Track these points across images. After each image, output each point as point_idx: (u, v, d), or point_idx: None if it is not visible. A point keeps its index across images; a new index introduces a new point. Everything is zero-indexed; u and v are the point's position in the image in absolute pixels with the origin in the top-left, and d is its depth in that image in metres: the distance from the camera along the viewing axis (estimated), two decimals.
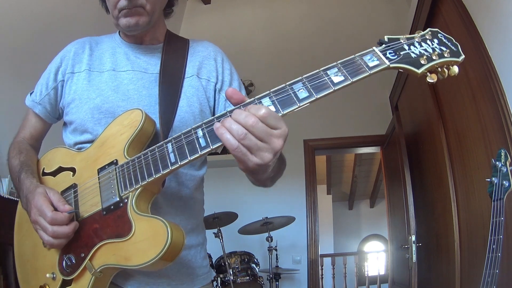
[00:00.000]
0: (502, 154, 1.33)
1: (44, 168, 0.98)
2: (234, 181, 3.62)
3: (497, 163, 1.32)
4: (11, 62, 2.35)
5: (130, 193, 0.78)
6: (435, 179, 2.65)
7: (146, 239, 0.72)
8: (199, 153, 0.70)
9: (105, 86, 0.96)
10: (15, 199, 1.98)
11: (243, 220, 3.28)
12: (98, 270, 0.78)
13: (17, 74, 2.36)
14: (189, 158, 0.71)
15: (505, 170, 1.30)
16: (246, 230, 3.33)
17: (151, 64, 1.02)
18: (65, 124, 1.04)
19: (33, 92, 1.07)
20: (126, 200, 0.78)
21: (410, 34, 0.74)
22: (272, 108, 0.67)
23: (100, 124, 0.93)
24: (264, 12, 4.62)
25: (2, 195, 1.95)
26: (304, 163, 4.07)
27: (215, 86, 1.04)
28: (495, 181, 1.31)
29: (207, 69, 1.05)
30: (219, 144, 0.67)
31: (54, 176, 0.95)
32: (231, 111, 0.68)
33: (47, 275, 0.85)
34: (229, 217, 3.21)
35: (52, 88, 1.02)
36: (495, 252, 1.24)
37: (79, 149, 0.96)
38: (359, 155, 7.13)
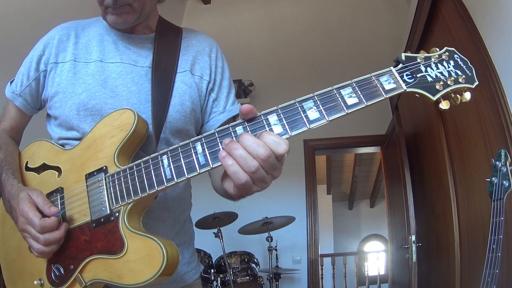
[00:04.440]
0: (502, 154, 1.33)
1: (27, 162, 0.93)
2: None
3: (497, 163, 1.32)
4: (6, 59, 2.33)
5: (122, 207, 0.73)
6: (435, 179, 2.65)
7: (140, 259, 0.69)
8: (198, 171, 0.65)
9: (91, 80, 0.90)
10: None
11: (243, 220, 3.28)
12: (88, 284, 0.75)
13: (12, 72, 2.35)
14: (186, 176, 0.66)
15: (505, 170, 1.30)
16: (246, 230, 3.33)
17: (142, 56, 0.95)
18: (48, 115, 0.98)
19: (13, 81, 1.00)
20: (117, 214, 0.73)
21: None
22: (279, 128, 0.63)
23: (86, 122, 0.88)
24: (264, 12, 4.62)
25: None
26: (304, 163, 4.08)
27: (208, 84, 0.99)
28: (495, 181, 1.31)
29: (200, 66, 0.99)
30: (220, 164, 0.63)
31: (38, 173, 0.90)
32: (233, 127, 0.65)
33: (35, 282, 0.82)
34: (229, 217, 3.21)
35: (34, 78, 0.95)
36: (495, 252, 1.24)
37: (63, 145, 0.91)
38: (359, 155, 7.13)
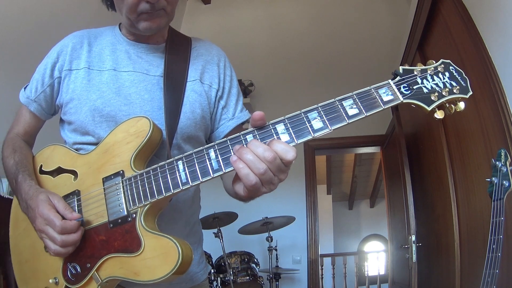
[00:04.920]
0: (502, 154, 1.33)
1: (42, 166, 0.95)
2: None
3: (497, 163, 1.32)
4: (6, 59, 2.34)
5: (139, 209, 0.78)
6: (435, 179, 2.65)
7: (156, 256, 0.73)
8: (211, 175, 0.70)
9: (106, 88, 0.93)
10: None
11: (243, 220, 3.28)
12: (104, 281, 0.79)
13: (15, 73, 2.36)
14: (200, 180, 0.71)
15: (505, 170, 1.30)
16: (246, 230, 3.33)
17: (153, 65, 0.98)
18: (62, 120, 1.00)
19: (27, 86, 1.02)
20: (134, 215, 0.78)
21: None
22: (286, 137, 0.68)
23: (101, 128, 0.91)
24: (264, 12, 4.62)
25: (2, 195, 1.95)
26: (304, 163, 4.08)
27: (217, 92, 1.02)
28: (495, 181, 1.31)
29: (209, 75, 1.02)
30: (232, 168, 0.68)
31: (53, 177, 0.92)
32: (244, 135, 0.70)
33: (50, 280, 0.85)
34: (229, 217, 3.21)
35: (48, 85, 0.98)
36: (495, 252, 1.24)
37: (78, 149, 0.94)
38: (359, 155, 7.12)
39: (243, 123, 1.04)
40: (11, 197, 1.98)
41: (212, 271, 3.00)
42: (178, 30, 1.09)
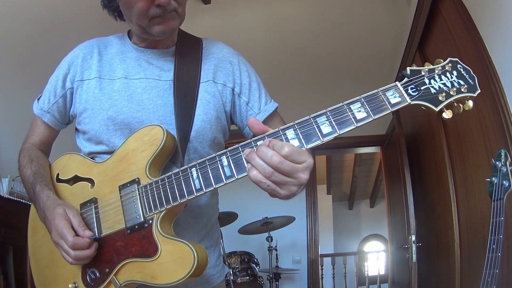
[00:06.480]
0: (502, 154, 1.33)
1: (58, 174, 0.97)
2: None
3: (497, 163, 1.32)
4: (11, 62, 2.35)
5: (155, 215, 0.80)
6: (435, 179, 2.65)
7: (173, 260, 0.76)
8: (224, 182, 0.72)
9: (117, 96, 0.93)
10: (15, 199, 1.99)
11: (243, 220, 3.28)
12: (123, 285, 0.81)
13: (17, 74, 2.36)
14: (214, 186, 0.73)
15: (505, 170, 1.30)
16: (246, 230, 3.33)
17: (164, 70, 0.98)
18: (77, 129, 1.02)
19: (40, 98, 1.04)
20: (150, 221, 0.80)
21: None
22: (296, 142, 0.68)
23: (115, 136, 0.92)
24: (264, 12, 4.62)
25: (2, 195, 1.95)
26: None
27: (233, 91, 1.01)
28: (495, 181, 1.31)
29: (222, 73, 1.01)
30: (244, 174, 0.69)
31: (71, 185, 0.95)
32: (255, 141, 0.70)
33: (70, 285, 0.87)
34: (229, 217, 3.21)
35: (61, 96, 1.00)
36: (495, 252, 1.24)
37: (93, 158, 0.95)
38: (359, 155, 7.12)
39: (272, 115, 1.03)
40: (11, 197, 1.98)
41: None
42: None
